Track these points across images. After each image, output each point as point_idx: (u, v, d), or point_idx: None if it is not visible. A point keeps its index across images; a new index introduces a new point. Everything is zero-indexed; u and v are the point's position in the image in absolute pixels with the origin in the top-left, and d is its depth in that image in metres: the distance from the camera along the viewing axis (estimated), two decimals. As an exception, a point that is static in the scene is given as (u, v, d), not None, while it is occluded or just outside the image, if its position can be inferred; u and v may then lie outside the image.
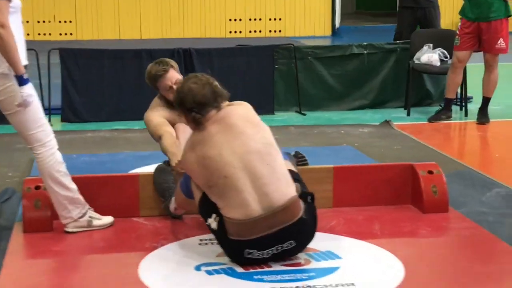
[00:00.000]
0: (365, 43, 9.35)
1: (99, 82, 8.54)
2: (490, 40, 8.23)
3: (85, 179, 5.01)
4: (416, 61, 8.94)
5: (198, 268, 4.20)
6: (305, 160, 5.42)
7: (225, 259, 4.28)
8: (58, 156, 4.68)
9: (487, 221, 4.99)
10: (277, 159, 4.30)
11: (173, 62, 5.44)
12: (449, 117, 8.57)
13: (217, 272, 4.15)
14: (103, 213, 4.93)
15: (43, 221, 4.77)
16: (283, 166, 4.32)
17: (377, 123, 8.31)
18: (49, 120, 8.45)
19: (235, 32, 18.79)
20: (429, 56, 8.89)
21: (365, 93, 9.27)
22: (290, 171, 4.44)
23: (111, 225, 4.89)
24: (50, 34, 18.14)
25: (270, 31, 18.96)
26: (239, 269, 4.17)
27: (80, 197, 4.77)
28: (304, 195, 4.32)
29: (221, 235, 4.22)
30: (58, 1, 18.05)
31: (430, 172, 5.21)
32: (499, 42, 8.23)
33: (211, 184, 4.22)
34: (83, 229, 4.78)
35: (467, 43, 8.32)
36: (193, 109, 4.31)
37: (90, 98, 8.52)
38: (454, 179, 5.94)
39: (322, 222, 4.92)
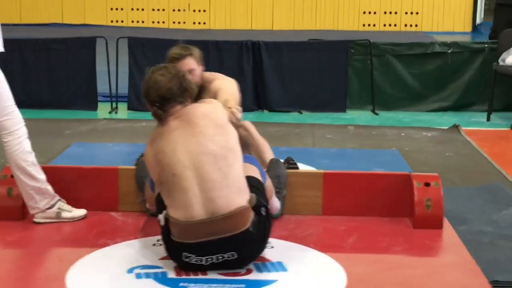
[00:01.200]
0: (449, 41, 8.84)
1: (165, 72, 8.52)
2: None
3: (64, 170, 4.98)
4: (501, 63, 8.33)
5: (131, 270, 4.03)
6: (296, 166, 5.16)
7: (164, 263, 4.11)
8: (26, 145, 4.65)
9: (479, 242, 4.55)
10: (234, 165, 4.03)
11: (195, 51, 5.11)
12: (531, 125, 7.96)
13: (147, 276, 3.98)
14: (82, 205, 4.88)
15: (14, 210, 4.75)
16: (239, 173, 4.04)
17: (447, 127, 7.82)
18: (116, 108, 8.57)
19: (369, 25, 18.42)
20: (515, 57, 8.27)
21: (447, 94, 8.79)
22: (251, 178, 4.19)
23: (82, 218, 4.83)
24: (184, 22, 18.45)
25: (405, 25, 18.44)
26: (171, 275, 3.98)
27: (49, 188, 4.72)
28: (258, 207, 4.05)
29: (166, 234, 4.05)
30: (194, -10, 18.32)
31: (427, 184, 4.79)
32: None
33: (162, 180, 4.05)
34: (52, 220, 4.74)
35: (549, 45, 7.68)
36: (155, 103, 4.15)
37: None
38: (479, 193, 5.50)
39: (298, 229, 4.70)
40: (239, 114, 4.76)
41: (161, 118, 4.14)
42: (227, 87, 5.08)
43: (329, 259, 4.23)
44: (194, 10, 18.34)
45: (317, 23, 18.20)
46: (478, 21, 18.30)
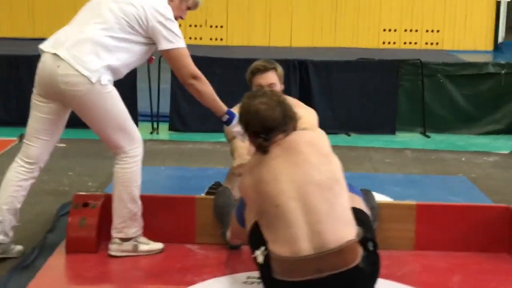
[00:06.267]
0: (503, 62, 8.53)
1: (210, 91, 8.21)
2: None
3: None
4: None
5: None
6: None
7: (259, 303, 3.77)
8: (139, 166, 4.37)
9: None
10: (340, 197, 3.69)
11: (280, 68, 4.98)
12: None
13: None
14: (157, 236, 4.54)
15: (87, 242, 4.41)
16: (345, 205, 3.70)
17: (507, 152, 7.50)
18: (157, 128, 8.23)
19: (389, 43, 18.13)
20: None
21: (500, 117, 8.48)
22: (357, 210, 3.84)
23: (159, 251, 4.48)
24: (201, 38, 18.15)
25: (426, 43, 18.16)
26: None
27: (141, 217, 4.41)
28: (365, 241, 3.70)
29: (266, 272, 3.68)
30: (211, 5, 17.97)
31: (529, 218, 4.48)
32: None
33: (262, 211, 3.70)
34: (128, 254, 4.40)
35: None
36: (259, 134, 3.82)
37: (199, 107, 8.15)
38: None
39: (394, 267, 4.35)
40: None
41: (266, 150, 3.80)
42: (307, 117, 4.79)
43: (439, 302, 3.90)
44: (211, 26, 18.05)
45: (336, 41, 17.92)
46: (500, 39, 18.05)
